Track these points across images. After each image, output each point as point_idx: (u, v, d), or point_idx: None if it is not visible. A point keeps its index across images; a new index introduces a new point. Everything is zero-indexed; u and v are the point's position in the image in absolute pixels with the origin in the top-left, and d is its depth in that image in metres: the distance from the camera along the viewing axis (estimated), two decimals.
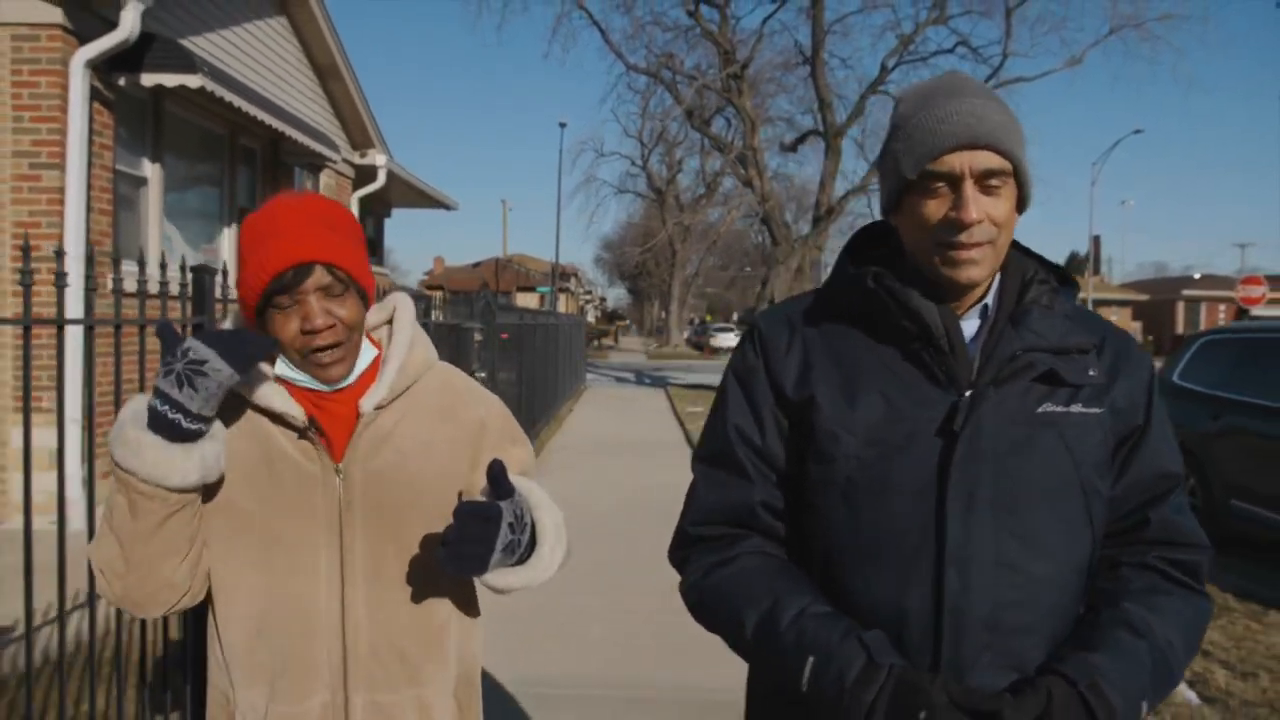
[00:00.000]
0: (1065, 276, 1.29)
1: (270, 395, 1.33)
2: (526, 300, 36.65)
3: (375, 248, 15.09)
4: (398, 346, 1.40)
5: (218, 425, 1.27)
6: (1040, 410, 1.18)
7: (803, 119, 22.21)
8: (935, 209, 1.16)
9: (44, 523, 3.38)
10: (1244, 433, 6.49)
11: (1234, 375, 6.88)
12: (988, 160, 1.14)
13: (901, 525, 1.16)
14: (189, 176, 8.05)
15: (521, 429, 1.53)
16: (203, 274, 2.47)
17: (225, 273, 2.54)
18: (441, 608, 1.41)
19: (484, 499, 1.30)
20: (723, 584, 1.24)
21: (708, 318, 68.07)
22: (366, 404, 1.36)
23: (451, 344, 6.41)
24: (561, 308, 38.25)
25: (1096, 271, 43.51)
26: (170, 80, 6.43)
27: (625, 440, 11.35)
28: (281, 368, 1.33)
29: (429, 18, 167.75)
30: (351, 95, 10.80)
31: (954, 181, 1.15)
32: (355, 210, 12.02)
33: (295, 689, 1.33)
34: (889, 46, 19.48)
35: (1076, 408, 1.19)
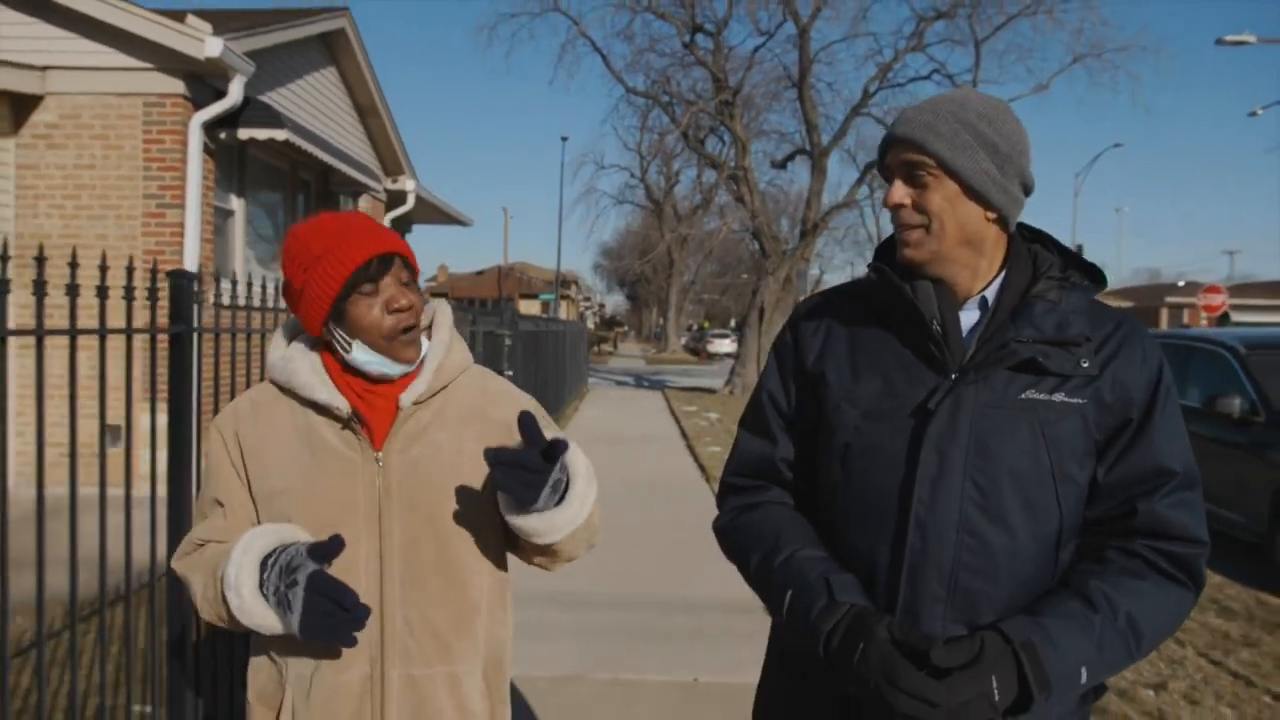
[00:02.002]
0: (1095, 273, 1.35)
1: (316, 387, 1.42)
2: (529, 307, 38.09)
3: None
4: (437, 348, 1.49)
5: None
6: (1023, 396, 1.26)
7: (793, 134, 23.56)
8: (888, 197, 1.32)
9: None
10: None
11: None
12: (904, 154, 1.29)
13: (881, 489, 1.29)
14: (260, 206, 9.53)
15: (553, 422, 1.57)
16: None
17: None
18: (473, 591, 1.49)
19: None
20: (741, 527, 1.42)
21: (705, 324, 69.13)
22: (406, 399, 1.44)
23: (486, 347, 7.87)
24: (562, 314, 39.68)
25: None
26: (262, 134, 7.91)
27: (627, 435, 12.80)
28: (358, 353, 1.41)
29: (436, 27, 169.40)
30: (387, 130, 12.30)
31: (890, 173, 1.33)
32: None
33: (339, 662, 1.41)
34: (871, 72, 20.97)
35: (1059, 396, 1.26)
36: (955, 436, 1.26)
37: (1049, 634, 1.16)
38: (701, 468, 9.81)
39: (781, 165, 23.27)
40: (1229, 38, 15.76)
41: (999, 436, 1.25)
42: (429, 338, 1.50)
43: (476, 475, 1.46)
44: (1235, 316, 45.00)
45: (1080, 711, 1.32)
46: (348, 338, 1.40)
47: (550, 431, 1.42)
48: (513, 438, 1.40)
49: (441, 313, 1.53)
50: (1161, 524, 1.26)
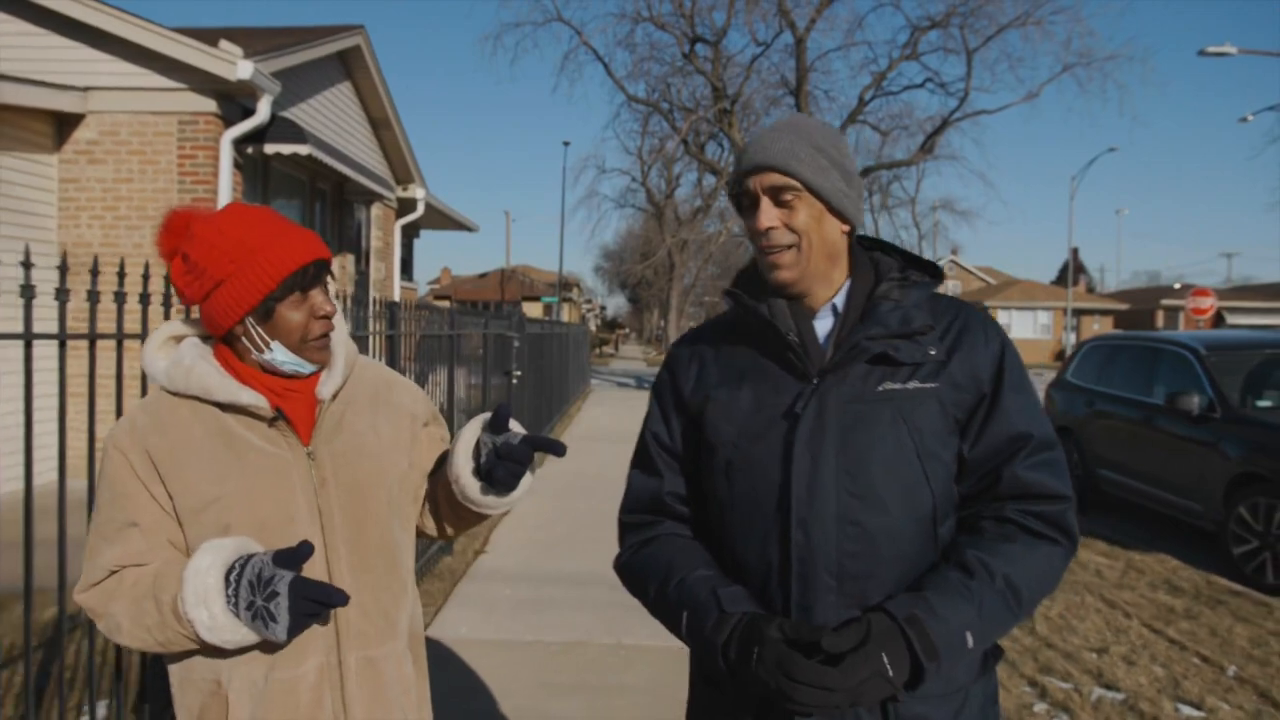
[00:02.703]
0: (934, 270, 1.45)
1: (236, 391, 1.40)
2: (531, 309, 38.62)
3: (406, 265, 17.07)
4: (340, 342, 1.50)
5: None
6: (881, 388, 1.35)
7: None
8: (749, 221, 1.39)
9: None
10: (1107, 416, 8.42)
11: (1102, 373, 8.83)
12: (771, 179, 1.36)
13: (763, 495, 1.35)
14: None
15: (437, 409, 1.67)
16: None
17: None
18: (404, 569, 1.54)
19: (496, 437, 1.44)
20: (637, 561, 1.49)
21: None
22: (324, 391, 1.47)
23: (497, 348, 8.39)
24: (564, 317, 40.22)
25: (1076, 282, 45.43)
26: (286, 149, 8.43)
27: (628, 432, 13.26)
28: (277, 353, 1.41)
29: (438, 32, 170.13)
30: (398, 140, 12.82)
31: (755, 198, 1.38)
32: (398, 236, 14.04)
33: (292, 655, 1.40)
34: (866, 80, 21.50)
35: (913, 383, 1.35)
36: (824, 434, 1.33)
37: (930, 606, 1.22)
38: None
39: None
40: (1211, 49, 16.26)
41: (863, 428, 1.33)
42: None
43: (394, 457, 1.53)
44: (1233, 319, 45.66)
45: (986, 675, 1.40)
46: (267, 337, 1.40)
47: (434, 427, 1.62)
48: (415, 422, 1.58)
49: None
50: (1023, 485, 1.34)
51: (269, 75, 7.98)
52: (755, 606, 1.32)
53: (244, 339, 1.41)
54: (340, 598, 1.30)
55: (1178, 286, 53.95)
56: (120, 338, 2.50)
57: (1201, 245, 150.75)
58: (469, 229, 18.17)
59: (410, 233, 17.15)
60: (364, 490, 1.47)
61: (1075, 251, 42.53)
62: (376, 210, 12.88)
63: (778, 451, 1.35)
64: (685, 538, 1.48)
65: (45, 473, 5.78)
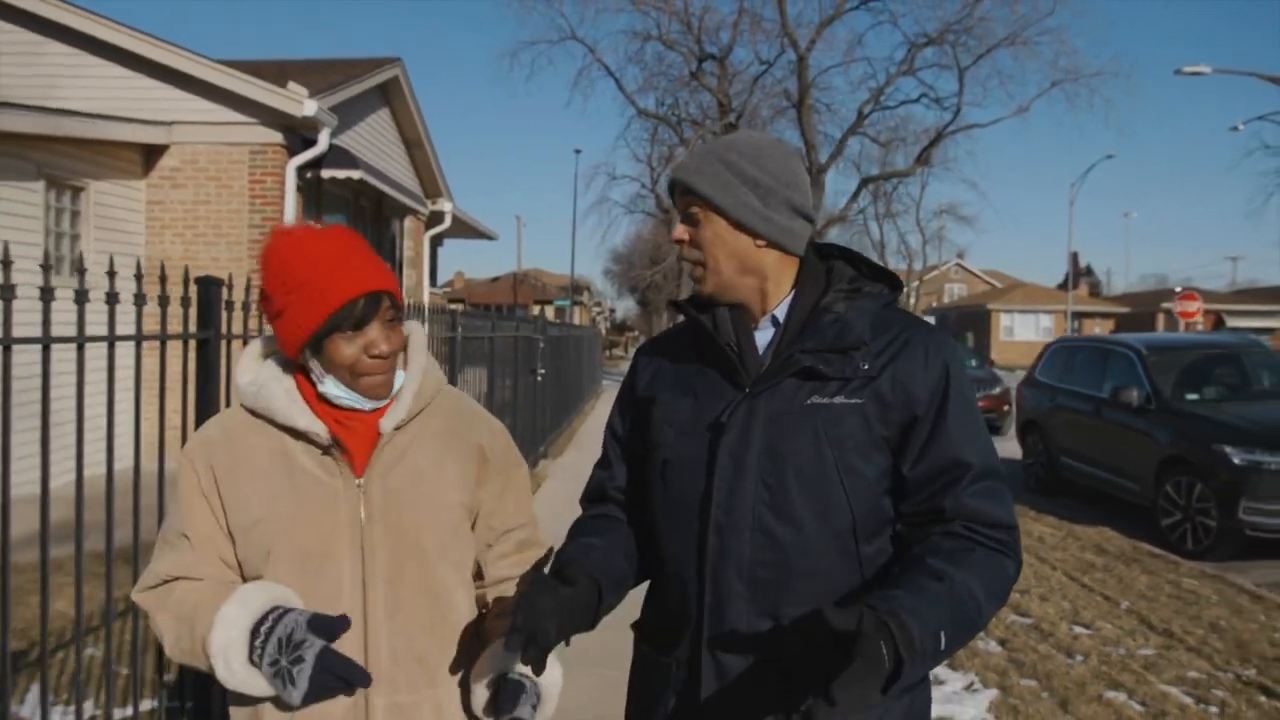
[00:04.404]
0: (893, 281, 1.47)
1: (295, 414, 1.39)
2: (539, 313, 39.72)
3: (431, 273, 18.23)
4: (414, 372, 1.46)
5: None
6: (808, 402, 1.36)
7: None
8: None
9: None
10: (1067, 410, 9.45)
11: (1064, 371, 9.88)
12: (680, 195, 1.43)
13: (688, 497, 1.41)
14: None
15: (519, 452, 1.62)
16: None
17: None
18: (455, 615, 1.47)
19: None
20: (570, 531, 1.57)
21: None
22: (386, 424, 1.42)
23: (523, 349, 9.51)
24: (575, 320, 41.40)
25: (1077, 285, 46.28)
26: (341, 174, 9.60)
27: None
28: (329, 387, 1.39)
29: (453, 40, 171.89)
30: (429, 159, 14.00)
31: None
32: (426, 247, 15.22)
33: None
34: (865, 94, 22.58)
35: (839, 398, 1.36)
36: (749, 444, 1.35)
37: (906, 603, 1.19)
38: None
39: None
40: (1187, 69, 17.28)
41: (786, 440, 1.34)
42: (405, 364, 1.47)
43: (456, 497, 1.47)
44: (1236, 323, 46.34)
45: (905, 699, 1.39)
46: (321, 370, 1.39)
47: (510, 472, 1.56)
48: (485, 463, 1.52)
49: (416, 336, 1.51)
50: (968, 513, 1.32)
51: (328, 110, 9.15)
52: (594, 573, 1.37)
53: (305, 368, 1.41)
54: (364, 679, 1.28)
55: (1179, 290, 54.59)
56: (185, 338, 2.66)
57: (1208, 249, 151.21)
58: (489, 238, 19.31)
59: (435, 242, 18.31)
60: (413, 529, 1.42)
61: (1075, 256, 43.43)
62: (409, 223, 14.04)
63: (704, 457, 1.39)
64: (607, 517, 1.57)
65: (124, 458, 6.91)
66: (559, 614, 1.27)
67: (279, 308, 1.36)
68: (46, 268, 2.16)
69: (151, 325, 4.10)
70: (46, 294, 2.12)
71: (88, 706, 3.48)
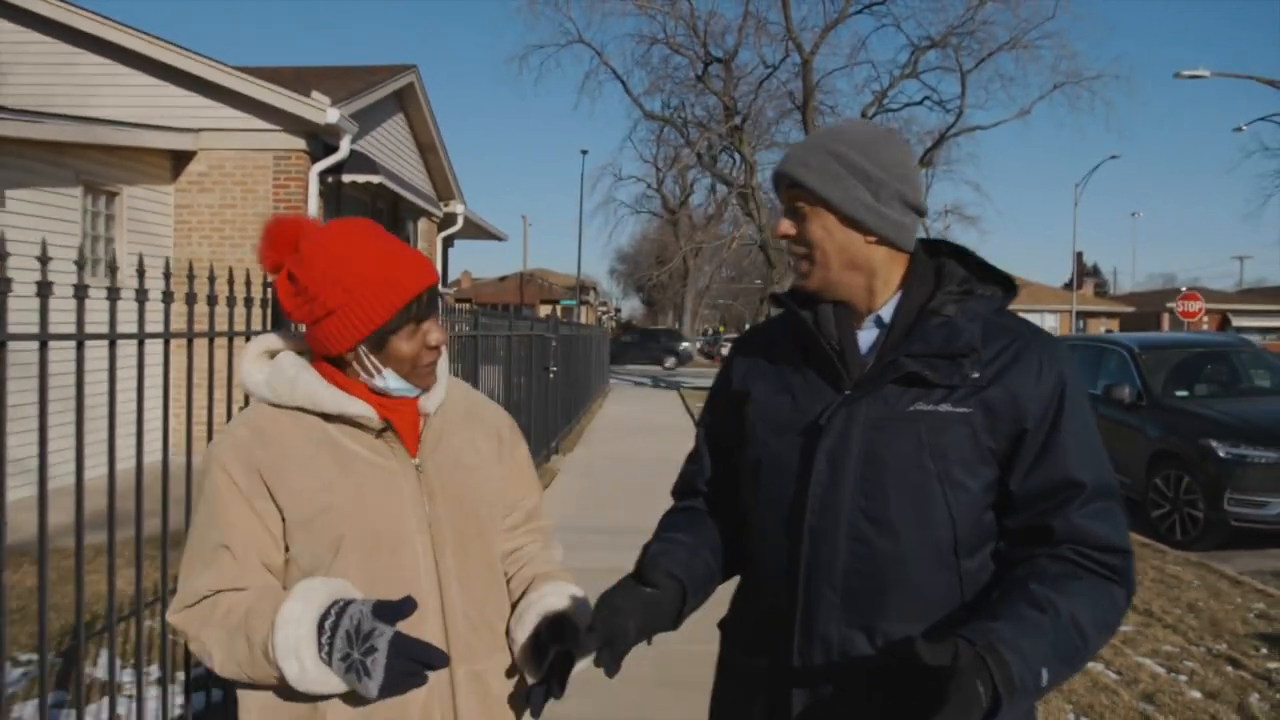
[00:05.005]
0: (1007, 283, 1.40)
1: (344, 402, 1.38)
2: (549, 313, 39.90)
3: (443, 273, 18.60)
4: (440, 361, 1.48)
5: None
6: (911, 408, 1.31)
7: None
8: None
9: None
10: None
11: None
12: (785, 188, 1.38)
13: (782, 499, 1.37)
14: None
15: (525, 444, 1.68)
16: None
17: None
18: (503, 580, 1.55)
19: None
20: (658, 525, 1.58)
21: (720, 329, 70.65)
22: (429, 405, 1.47)
23: (537, 348, 9.85)
24: (581, 319, 41.78)
25: (1081, 285, 46.53)
26: (361, 179, 9.97)
27: (646, 425, 14.74)
28: (390, 381, 1.40)
29: (459, 40, 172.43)
30: (443, 163, 14.38)
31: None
32: (439, 247, 15.58)
33: None
34: (869, 97, 22.86)
35: (945, 406, 1.29)
36: (847, 449, 1.31)
37: (1006, 637, 1.14)
38: None
39: None
40: (1186, 72, 17.55)
41: (887, 447, 1.30)
42: None
43: (492, 469, 1.54)
44: (1242, 322, 46.45)
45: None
46: (379, 365, 1.38)
47: (518, 447, 1.62)
48: (501, 441, 1.58)
49: None
50: (1078, 534, 1.26)
51: (349, 118, 9.50)
52: (678, 573, 1.37)
53: (355, 364, 1.40)
54: (441, 659, 1.25)
55: (1184, 290, 54.78)
56: (211, 336, 2.78)
57: (1217, 248, 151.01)
58: (498, 238, 19.66)
59: (446, 243, 18.68)
60: (469, 503, 1.47)
61: (1079, 256, 43.74)
62: (423, 224, 14.40)
63: (800, 461, 1.35)
64: (695, 511, 1.57)
65: (153, 452, 7.26)
66: (639, 614, 1.27)
67: (331, 306, 1.34)
68: (142, 272, 2.42)
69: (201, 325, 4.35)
70: (141, 294, 2.42)
71: (153, 669, 3.81)
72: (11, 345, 2.05)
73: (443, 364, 1.50)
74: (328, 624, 1.26)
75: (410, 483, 1.43)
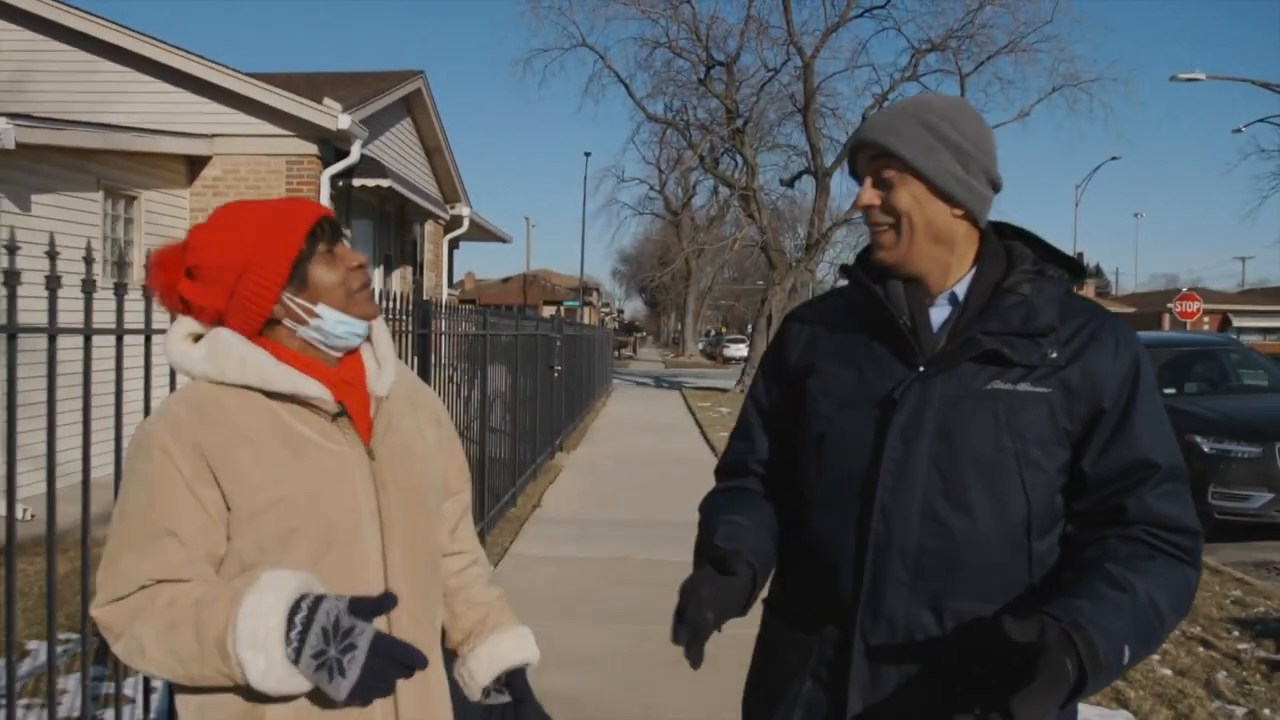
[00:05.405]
0: (1075, 266, 1.37)
1: (299, 382, 1.30)
2: (552, 314, 40.18)
3: (448, 274, 18.85)
4: (383, 335, 1.44)
5: None
6: (988, 386, 1.29)
7: (802, 149, 25.44)
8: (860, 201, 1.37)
9: None
10: None
11: None
12: (870, 155, 1.34)
13: (849, 476, 1.34)
14: (357, 235, 11.85)
15: (456, 436, 1.64)
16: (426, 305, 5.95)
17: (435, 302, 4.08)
18: (441, 574, 1.50)
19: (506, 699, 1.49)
20: (708, 503, 1.54)
21: (723, 329, 70.85)
22: (380, 388, 1.39)
23: (543, 347, 10.09)
24: (584, 320, 42.03)
25: (1081, 286, 46.54)
26: (370, 183, 10.22)
27: (649, 424, 15.01)
28: (328, 319, 1.32)
29: (461, 43, 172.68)
30: (449, 166, 14.64)
31: (860, 175, 1.37)
32: (445, 250, 15.83)
33: None
34: (869, 99, 23.09)
35: (1024, 385, 1.28)
36: (920, 426, 1.29)
37: (1091, 615, 1.15)
38: (711, 446, 12.02)
39: (789, 184, 25.42)
40: (1182, 75, 17.77)
41: (963, 425, 1.29)
42: (369, 336, 1.41)
43: (436, 457, 1.48)
44: (1243, 322, 46.51)
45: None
46: (309, 304, 1.31)
47: (454, 436, 1.57)
48: (440, 426, 1.52)
49: (378, 320, 1.45)
50: (1153, 516, 1.27)
51: (359, 123, 9.76)
52: (752, 559, 1.34)
53: (287, 319, 1.32)
54: (421, 660, 1.20)
55: (1185, 290, 54.81)
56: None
57: (1220, 249, 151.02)
58: (503, 240, 19.91)
59: (452, 244, 18.93)
60: (418, 493, 1.41)
61: (1079, 256, 43.85)
62: (429, 227, 14.66)
63: (870, 436, 1.33)
64: (748, 491, 1.52)
65: None
66: (716, 602, 1.26)
67: (240, 265, 1.28)
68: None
69: None
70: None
71: None
72: (22, 339, 2.15)
73: (389, 345, 1.45)
74: (298, 619, 1.18)
75: (363, 471, 1.35)
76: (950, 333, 1.35)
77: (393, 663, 1.19)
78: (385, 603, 1.22)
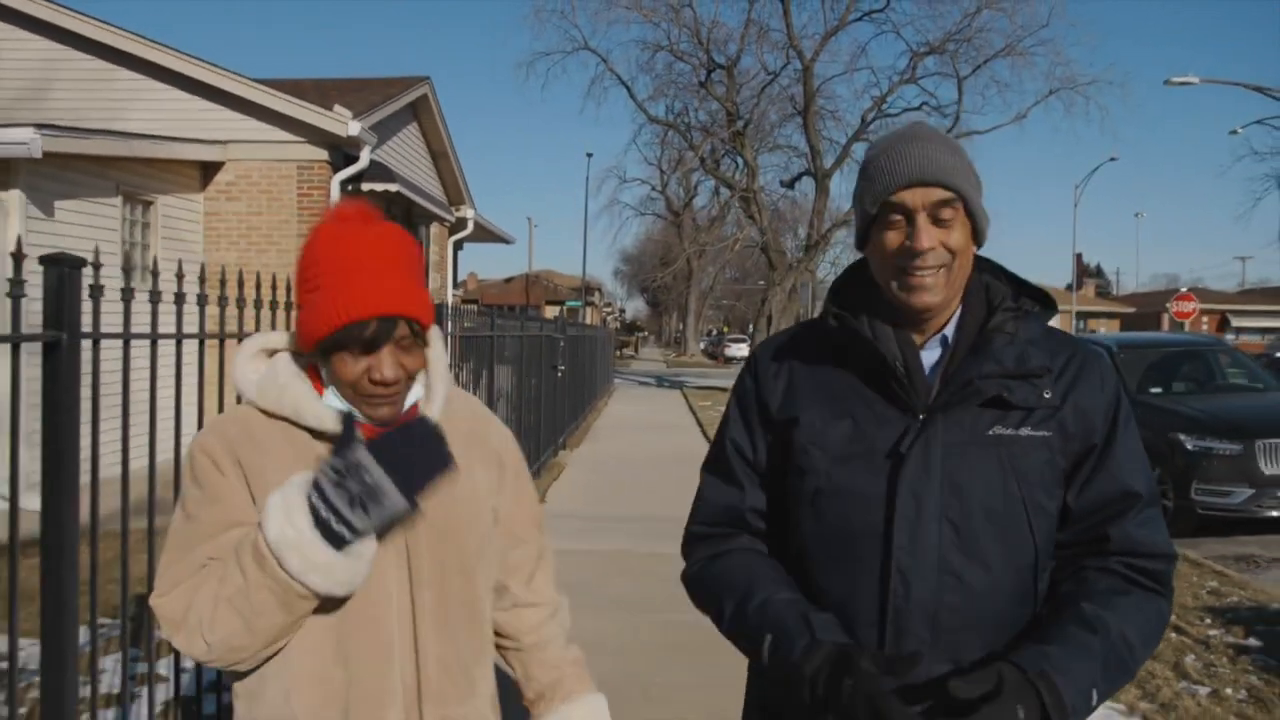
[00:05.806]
0: (1046, 299, 1.35)
1: (327, 418, 1.29)
2: (554, 314, 40.48)
3: (452, 275, 19.10)
4: (438, 368, 1.38)
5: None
6: (990, 432, 1.27)
7: (803, 150, 25.66)
8: (893, 239, 1.28)
9: None
10: None
11: None
12: (937, 195, 1.26)
13: (855, 532, 1.29)
14: None
15: (526, 468, 1.58)
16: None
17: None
18: (486, 623, 1.44)
19: None
20: (710, 575, 1.40)
21: (724, 329, 71.03)
22: (428, 414, 1.34)
23: (547, 347, 10.36)
24: (586, 320, 42.26)
25: (1081, 285, 46.89)
26: (379, 187, 10.48)
27: (651, 423, 15.26)
28: (330, 398, 1.31)
29: (464, 45, 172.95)
30: (454, 169, 14.90)
31: (909, 214, 1.27)
32: (450, 251, 16.10)
33: (371, 712, 1.30)
34: (868, 101, 23.34)
35: (1025, 430, 1.27)
36: (928, 478, 1.26)
37: (1059, 662, 1.16)
38: None
39: (789, 185, 25.69)
40: (1176, 79, 18.00)
41: (970, 474, 1.26)
42: (426, 366, 1.36)
43: (486, 499, 1.43)
44: (1242, 322, 46.71)
45: None
46: (327, 379, 1.31)
47: (522, 476, 1.52)
48: (503, 468, 1.47)
49: (435, 337, 1.37)
50: (1133, 544, 1.29)
51: (368, 129, 10.03)
52: (846, 637, 1.25)
53: (317, 367, 1.33)
54: (431, 432, 1.22)
55: (1184, 290, 55.09)
56: (240, 338, 2.76)
57: (1221, 248, 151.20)
58: (507, 241, 20.16)
59: (457, 246, 19.18)
60: (454, 535, 1.37)
61: (1079, 257, 44.12)
62: (434, 229, 14.92)
63: (877, 490, 1.29)
64: (763, 555, 1.42)
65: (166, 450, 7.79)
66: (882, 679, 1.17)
67: (301, 300, 1.28)
68: (180, 277, 2.89)
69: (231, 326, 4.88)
70: (237, 302, 2.93)
71: None
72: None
73: (441, 380, 1.39)
74: (311, 495, 1.19)
75: None
76: (943, 376, 1.32)
77: (406, 450, 1.19)
78: (346, 427, 1.22)
